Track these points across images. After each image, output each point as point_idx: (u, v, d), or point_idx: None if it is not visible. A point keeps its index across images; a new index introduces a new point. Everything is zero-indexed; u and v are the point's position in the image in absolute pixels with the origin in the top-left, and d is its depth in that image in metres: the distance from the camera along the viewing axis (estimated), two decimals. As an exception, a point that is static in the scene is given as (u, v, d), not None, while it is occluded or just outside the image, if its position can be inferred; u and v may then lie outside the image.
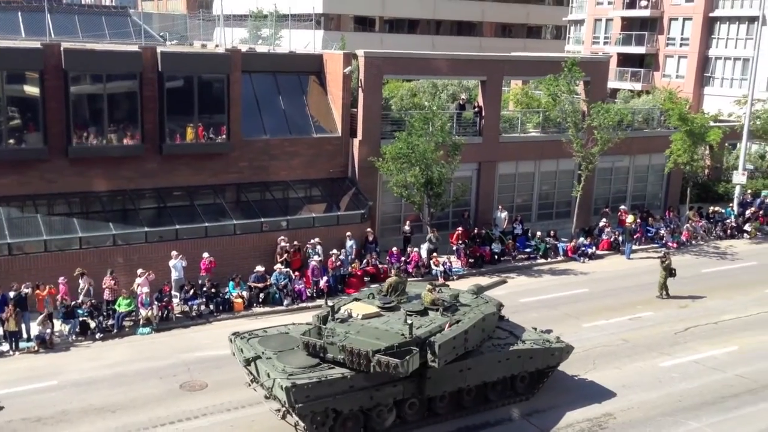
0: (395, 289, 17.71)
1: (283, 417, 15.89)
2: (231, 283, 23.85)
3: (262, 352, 16.18)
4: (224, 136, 26.18)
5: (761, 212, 35.53)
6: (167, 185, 25.80)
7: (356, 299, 17.86)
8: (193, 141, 25.74)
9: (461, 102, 32.36)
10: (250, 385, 17.04)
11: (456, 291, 18.70)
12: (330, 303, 16.93)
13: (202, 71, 25.70)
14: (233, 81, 26.07)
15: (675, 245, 31.51)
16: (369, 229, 27.36)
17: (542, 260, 29.61)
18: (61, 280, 21.63)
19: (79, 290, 21.95)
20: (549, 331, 19.20)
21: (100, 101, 24.20)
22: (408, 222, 28.88)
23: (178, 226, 24.67)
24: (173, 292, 23.35)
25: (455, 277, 27.22)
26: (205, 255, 24.02)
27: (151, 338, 21.54)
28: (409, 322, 15.75)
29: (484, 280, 26.14)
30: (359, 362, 15.02)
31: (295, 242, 25.76)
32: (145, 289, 22.10)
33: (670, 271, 25.49)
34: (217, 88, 26.02)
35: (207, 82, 25.96)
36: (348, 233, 26.70)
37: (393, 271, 22.17)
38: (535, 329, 18.89)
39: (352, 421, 15.75)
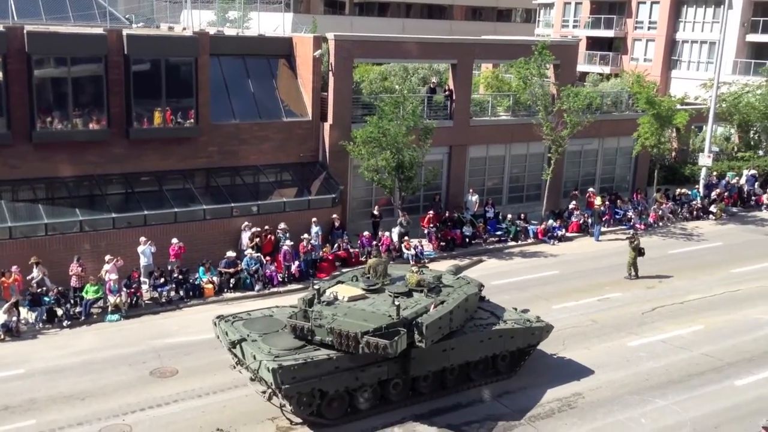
0: (376, 270, 17.79)
1: (269, 398, 15.99)
2: (201, 269, 23.67)
3: (248, 335, 16.27)
4: (192, 121, 25.87)
5: (726, 194, 36.12)
6: (135, 170, 25.45)
7: (340, 282, 17.88)
8: (160, 125, 25.39)
9: (432, 85, 32.34)
10: (235, 368, 17.09)
11: (439, 272, 18.89)
12: (316, 286, 16.94)
13: (169, 54, 25.31)
14: (201, 64, 25.73)
15: (643, 227, 31.92)
16: (335, 215, 27.20)
17: (513, 243, 29.82)
18: (14, 268, 21.25)
19: (29, 278, 21.47)
20: (526, 311, 19.48)
21: (65, 85, 23.74)
22: (377, 206, 28.85)
23: (146, 212, 24.39)
24: (142, 279, 23.11)
25: (426, 261, 27.27)
26: (174, 241, 23.79)
27: (119, 325, 21.32)
28: (396, 303, 15.98)
29: (448, 264, 26.34)
30: (348, 344, 15.19)
31: (267, 227, 25.59)
32: (113, 276, 21.84)
33: (639, 251, 25.84)
34: (185, 72, 25.67)
35: (174, 66, 25.59)
36: (314, 219, 26.50)
37: (373, 253, 22.17)
38: (516, 309, 19.20)
39: (337, 401, 15.96)
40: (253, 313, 17.69)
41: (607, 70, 54.74)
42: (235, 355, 16.57)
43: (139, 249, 23.34)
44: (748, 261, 28.16)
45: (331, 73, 28.12)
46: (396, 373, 16.39)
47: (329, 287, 17.23)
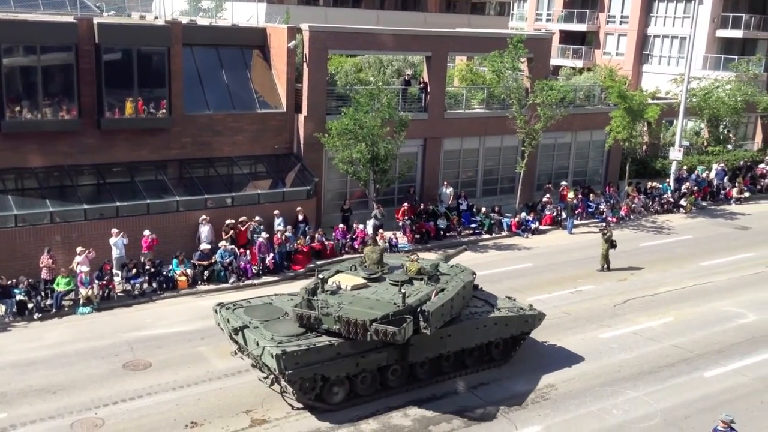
0: (371, 258, 18.03)
1: (272, 384, 16.31)
2: (175, 261, 23.46)
3: (249, 322, 16.54)
4: (165, 111, 25.58)
5: (696, 187, 36.64)
6: (106, 161, 25.11)
7: (339, 271, 18.02)
8: (132, 116, 25.07)
9: (406, 78, 32.32)
10: (235, 354, 17.32)
11: (435, 260, 19.29)
12: (320, 275, 17.05)
13: (141, 43, 24.97)
14: (174, 54, 25.44)
15: (614, 220, 32.27)
16: (299, 208, 26.64)
17: (487, 235, 29.98)
18: None
19: None
20: (513, 299, 19.87)
21: (35, 74, 23.31)
22: (347, 200, 28.65)
23: (118, 203, 24.10)
24: (114, 271, 22.85)
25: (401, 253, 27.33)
26: (147, 232, 23.54)
27: (91, 318, 21.07)
28: (402, 291, 16.24)
29: (428, 256, 26.42)
30: (356, 332, 15.48)
31: (243, 218, 25.42)
32: (85, 268, 21.56)
33: (611, 243, 26.14)
34: (157, 62, 25.35)
35: (146, 55, 25.25)
36: (276, 211, 26.05)
37: (369, 242, 22.30)
38: (509, 298, 19.67)
39: (338, 386, 16.24)
40: (252, 301, 17.98)
41: (579, 64, 55.08)
42: (236, 342, 16.81)
43: (111, 240, 23.07)
44: (717, 254, 28.62)
45: (305, 65, 27.98)
46: (395, 359, 16.72)
47: (330, 276, 17.30)
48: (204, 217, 24.73)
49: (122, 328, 20.32)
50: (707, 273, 26.36)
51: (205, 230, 24.60)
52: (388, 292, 16.71)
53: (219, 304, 17.76)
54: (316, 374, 15.70)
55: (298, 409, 16.30)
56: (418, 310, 16.11)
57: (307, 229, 26.56)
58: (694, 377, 18.62)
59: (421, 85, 31.33)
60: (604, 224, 28.90)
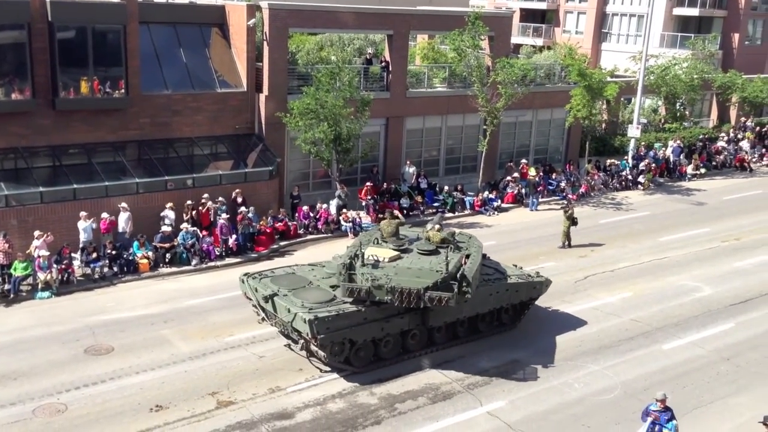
0: (387, 231, 18.54)
1: (302, 349, 17.00)
2: (135, 244, 23.14)
3: (278, 290, 17.14)
4: (122, 91, 25.06)
5: (653, 164, 37.27)
6: (62, 142, 24.54)
7: (360, 245, 17.98)
8: (88, 95, 24.51)
9: (368, 56, 32.15)
10: (261, 322, 18.22)
11: (451, 230, 20.07)
12: (355, 251, 17.35)
13: (95, 21, 24.34)
14: (130, 32, 24.89)
15: (575, 197, 32.69)
16: (237, 190, 25.87)
17: (450, 214, 30.13)
18: None
19: None
20: (519, 267, 20.65)
21: (-15, 53, 22.68)
22: (296, 188, 28.35)
23: (75, 186, 23.62)
24: (73, 255, 22.43)
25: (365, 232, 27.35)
26: (105, 215, 23.14)
27: (51, 302, 20.71)
28: (447, 258, 17.05)
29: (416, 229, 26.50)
30: (410, 300, 16.30)
31: (204, 197, 25.15)
32: (43, 252, 21.13)
33: (572, 221, 26.50)
34: (113, 40, 24.78)
35: (101, 33, 24.66)
36: (205, 195, 25.22)
37: (387, 216, 22.41)
38: (515, 265, 20.46)
39: (364, 350, 17.12)
40: (276, 271, 18.66)
41: (540, 42, 55.43)
42: (263, 310, 17.51)
43: (81, 225, 22.58)
44: (674, 229, 29.23)
45: (265, 43, 27.63)
46: (416, 324, 17.59)
47: (357, 252, 17.36)
48: (123, 204, 23.50)
49: (83, 313, 20.02)
50: (665, 248, 26.92)
51: (122, 219, 23.44)
52: (422, 261, 17.31)
53: (245, 274, 18.36)
54: (345, 338, 16.49)
55: (273, 390, 16.32)
56: (460, 275, 16.84)
57: (249, 214, 25.22)
58: (653, 350, 19.06)
59: (383, 63, 31.20)
60: (565, 202, 29.28)
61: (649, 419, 13.63)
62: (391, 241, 18.28)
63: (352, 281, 16.64)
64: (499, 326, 19.50)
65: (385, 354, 17.51)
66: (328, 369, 17.19)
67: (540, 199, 32.33)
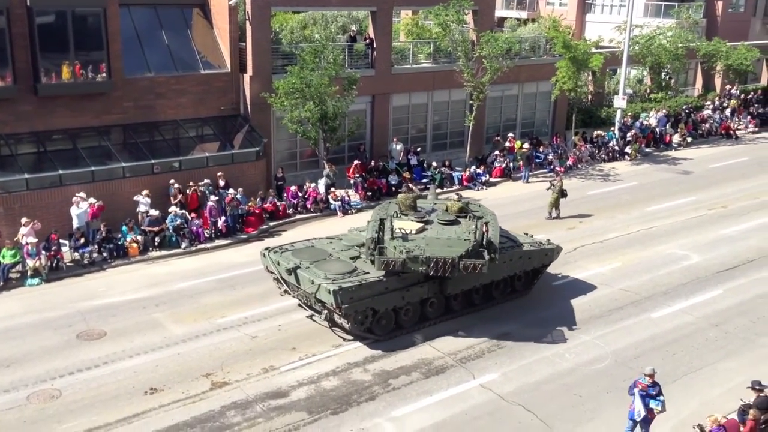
0: (405, 204, 19.01)
1: (325, 319, 17.56)
2: (124, 228, 23.05)
3: (300, 263, 17.66)
4: (104, 75, 24.82)
5: (640, 135, 37.35)
6: (46, 128, 24.33)
7: (380, 219, 18.48)
8: (70, 80, 24.27)
9: (352, 34, 31.92)
10: (283, 295, 18.85)
11: (465, 199, 20.62)
12: (381, 225, 18.00)
13: (75, 5, 24.00)
14: (110, 15, 24.59)
15: (563, 170, 32.76)
16: (220, 173, 25.68)
17: (439, 190, 30.04)
18: None
19: None
20: (530, 235, 20.97)
21: (-36, 40, 22.36)
22: (281, 169, 28.24)
23: (61, 171, 23.44)
24: (62, 240, 22.31)
25: (354, 211, 27.38)
26: (92, 200, 22.99)
27: (41, 289, 20.64)
28: (475, 227, 17.83)
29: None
30: (445, 269, 16.85)
31: (191, 183, 25.03)
32: (31, 239, 21.02)
33: (561, 192, 26.60)
34: (93, 23, 24.49)
35: (82, 17, 24.36)
36: (171, 181, 24.63)
37: (404, 190, 23.06)
38: (526, 234, 20.83)
39: (385, 319, 17.63)
40: (296, 245, 19.20)
41: (524, 15, 55.12)
42: (285, 282, 18.03)
43: (74, 211, 22.41)
44: (661, 199, 29.40)
45: (248, 23, 27.38)
46: (434, 292, 18.14)
47: (390, 225, 17.90)
48: (81, 194, 22.89)
49: (74, 299, 19.98)
50: (652, 218, 27.09)
51: (76, 211, 22.78)
52: (447, 231, 17.90)
53: (267, 249, 18.87)
54: (368, 307, 17.02)
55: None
56: (487, 242, 17.52)
57: (238, 196, 25.04)
58: (642, 318, 19.25)
59: (367, 41, 31.00)
60: (553, 174, 29.33)
61: (637, 390, 13.59)
62: (411, 214, 18.71)
63: (382, 254, 17.02)
64: (512, 293, 19.98)
65: (405, 322, 18.02)
66: (350, 338, 17.74)
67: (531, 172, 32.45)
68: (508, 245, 19.37)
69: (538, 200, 28.35)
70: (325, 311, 17.39)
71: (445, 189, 30.24)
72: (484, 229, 17.84)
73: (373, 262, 17.25)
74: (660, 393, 13.53)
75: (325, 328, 18.29)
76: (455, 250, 17.07)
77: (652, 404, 13.37)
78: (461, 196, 20.18)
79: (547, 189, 27.26)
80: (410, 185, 21.28)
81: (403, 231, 17.60)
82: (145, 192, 23.96)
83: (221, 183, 25.52)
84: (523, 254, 19.41)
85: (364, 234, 18.90)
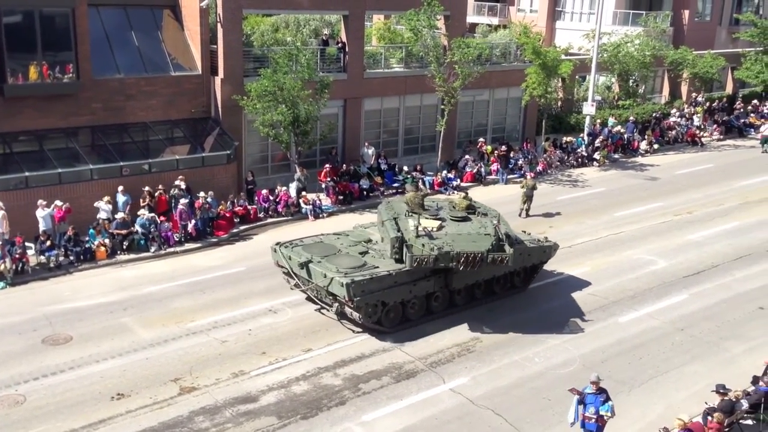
0: (413, 203, 19.58)
1: (336, 312, 18.07)
2: (92, 231, 22.74)
3: (311, 257, 18.34)
4: (72, 75, 24.52)
5: (609, 141, 37.82)
6: (12, 129, 23.95)
7: (394, 219, 19.12)
8: (37, 81, 23.93)
9: (324, 37, 31.91)
10: (293, 288, 19.47)
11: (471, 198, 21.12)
12: (402, 225, 18.69)
13: (42, 5, 23.69)
14: (79, 15, 24.32)
15: (533, 175, 33.00)
16: (180, 177, 25.14)
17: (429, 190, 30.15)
18: None
19: None
20: (528, 233, 21.69)
21: (-72, 39, 21.93)
22: (250, 173, 28.16)
23: (27, 173, 23.09)
24: (27, 243, 21.95)
25: (325, 215, 27.34)
26: (58, 203, 22.65)
27: (5, 293, 20.28)
28: (486, 223, 18.82)
29: (355, 217, 26.60)
30: (474, 263, 17.85)
31: (160, 186, 24.78)
32: (-5, 242, 20.67)
33: (533, 189, 27.75)
34: (61, 23, 24.19)
35: (50, 17, 24.06)
36: (120, 188, 23.97)
37: (409, 187, 23.23)
38: (524, 231, 21.54)
39: (394, 312, 18.31)
40: (305, 240, 19.83)
41: (495, 21, 55.55)
42: (296, 276, 18.76)
43: (39, 213, 22.05)
44: (629, 204, 29.79)
45: (219, 25, 27.23)
46: (440, 286, 18.82)
47: (417, 224, 18.32)
48: (42, 201, 22.42)
49: (39, 303, 19.66)
50: (620, 223, 27.44)
51: (41, 214, 22.31)
52: (462, 227, 18.72)
53: (277, 243, 19.57)
54: (378, 300, 17.68)
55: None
56: (505, 237, 18.50)
57: (209, 199, 24.82)
58: (610, 323, 19.48)
59: (339, 44, 31.01)
60: (524, 179, 29.69)
61: (576, 397, 13.69)
62: (422, 212, 19.27)
63: (411, 250, 17.73)
64: (511, 288, 20.67)
65: (412, 315, 18.71)
66: (359, 330, 18.32)
67: (496, 177, 32.68)
68: (508, 242, 19.97)
69: (509, 206, 28.34)
70: (336, 304, 17.94)
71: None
72: (495, 223, 18.76)
73: (396, 260, 18.12)
74: (608, 399, 13.59)
75: (293, 333, 18.26)
76: (481, 244, 17.98)
77: (602, 410, 13.45)
78: (467, 193, 21.09)
79: (521, 187, 28.20)
80: (418, 184, 22.35)
81: (427, 229, 18.19)
82: (106, 198, 23.48)
83: (182, 186, 25.13)
84: (523, 251, 19.91)
85: (369, 231, 20.23)
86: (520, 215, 27.36)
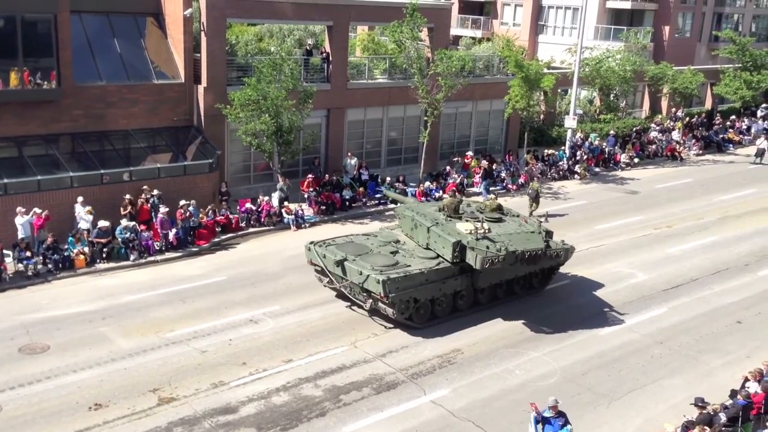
0: (449, 208, 20.65)
1: (369, 308, 18.96)
2: (71, 239, 22.51)
3: (346, 255, 19.11)
4: (54, 82, 24.34)
5: (591, 154, 38.12)
6: (-8, 136, 23.74)
7: (435, 223, 20.04)
8: (18, 87, 23.72)
9: (308, 48, 31.94)
10: (325, 286, 20.40)
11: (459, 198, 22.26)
12: (477, 226, 19.49)
13: (24, 10, 23.53)
14: (61, 21, 24.16)
15: (515, 187, 33.21)
16: (145, 186, 24.63)
17: (392, 205, 30.15)
18: None
19: None
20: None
21: None
22: (224, 183, 27.98)
23: (6, 180, 22.83)
24: (5, 251, 21.69)
25: (307, 225, 27.28)
26: (37, 210, 22.39)
27: (-18, 301, 20.03)
28: (540, 221, 20.55)
29: (336, 227, 26.57)
30: (533, 259, 19.47)
31: (143, 190, 24.61)
32: (-27, 249, 20.39)
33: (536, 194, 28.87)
34: (43, 30, 24.02)
35: (31, 23, 23.88)
36: (79, 200, 23.34)
37: (449, 194, 24.85)
38: None
39: (423, 309, 19.27)
40: (337, 240, 20.58)
41: (479, 34, 55.98)
42: (329, 274, 19.58)
43: (18, 221, 21.78)
44: (609, 218, 30.00)
45: (203, 33, 27.17)
46: (466, 285, 19.80)
47: (482, 227, 19.38)
48: (21, 209, 22.14)
49: (16, 311, 19.40)
50: (601, 236, 27.62)
51: (20, 222, 22.03)
52: (504, 227, 20.05)
53: (311, 242, 20.30)
54: (411, 297, 18.59)
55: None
56: (549, 235, 20.16)
57: (190, 208, 24.49)
58: (590, 335, 19.57)
59: (323, 55, 31.05)
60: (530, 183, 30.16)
61: (533, 414, 13.74)
62: (460, 216, 20.32)
63: (474, 251, 18.71)
64: (530, 289, 21.61)
65: (439, 312, 19.60)
66: (390, 325, 19.24)
67: (479, 189, 32.75)
68: None
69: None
70: (370, 300, 18.73)
71: (399, 205, 30.24)
72: (541, 221, 20.41)
73: (455, 263, 19.09)
74: (567, 422, 13.64)
75: (274, 343, 18.18)
76: (534, 243, 19.43)
77: None
78: (496, 196, 22.28)
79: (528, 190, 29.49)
80: (455, 190, 23.40)
81: (483, 231, 19.21)
82: (88, 209, 23.18)
83: (155, 192, 24.79)
84: (560, 251, 20.86)
85: (396, 232, 21.22)
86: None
